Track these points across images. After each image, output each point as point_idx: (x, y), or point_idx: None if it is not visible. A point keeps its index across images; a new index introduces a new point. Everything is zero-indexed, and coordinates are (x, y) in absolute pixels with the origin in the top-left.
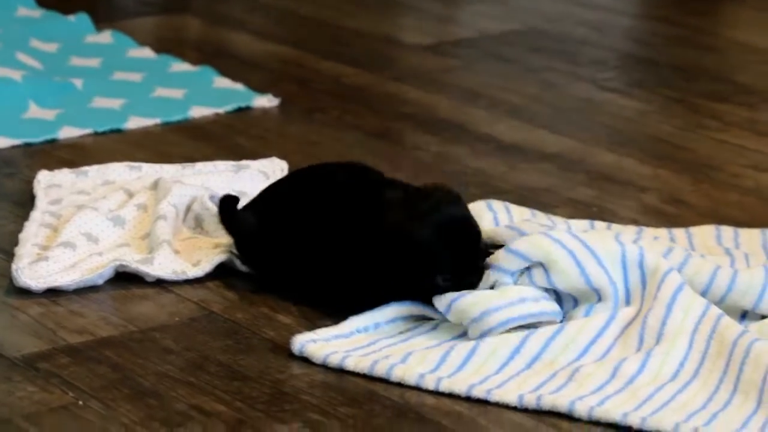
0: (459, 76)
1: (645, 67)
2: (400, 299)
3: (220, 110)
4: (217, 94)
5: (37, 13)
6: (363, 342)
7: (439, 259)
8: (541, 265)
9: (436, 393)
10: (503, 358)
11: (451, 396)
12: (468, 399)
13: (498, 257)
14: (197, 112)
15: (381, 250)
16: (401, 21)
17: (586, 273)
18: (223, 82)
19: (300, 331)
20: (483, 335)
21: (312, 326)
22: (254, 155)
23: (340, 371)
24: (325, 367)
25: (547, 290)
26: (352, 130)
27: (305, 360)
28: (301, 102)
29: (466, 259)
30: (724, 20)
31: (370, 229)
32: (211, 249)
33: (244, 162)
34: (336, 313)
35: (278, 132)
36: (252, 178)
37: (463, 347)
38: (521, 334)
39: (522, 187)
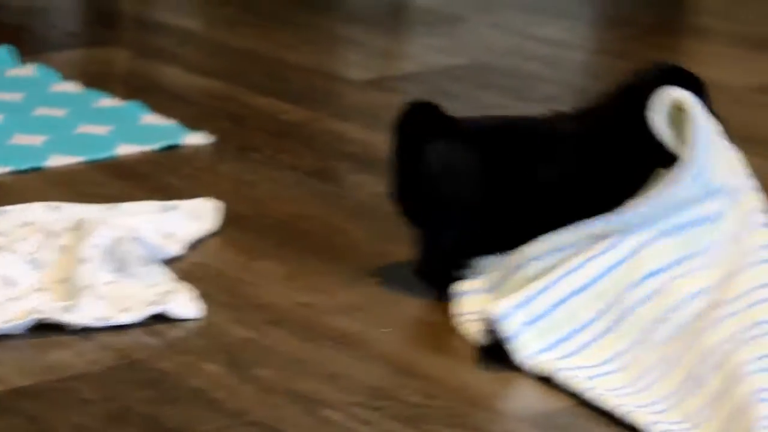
0: None
1: None
2: None
3: (148, 148)
4: (145, 131)
5: None
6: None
7: None
8: None
9: None
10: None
11: None
12: None
13: None
14: (124, 149)
15: None
16: (343, 54)
17: None
18: (151, 119)
19: (228, 381)
20: None
21: (242, 374)
22: (185, 195)
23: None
24: (256, 414)
25: None
26: (288, 169)
27: (236, 408)
28: (234, 139)
29: None
30: (688, 56)
31: None
32: (140, 296)
33: (172, 202)
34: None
35: (211, 171)
36: (181, 218)
37: None
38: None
39: None
